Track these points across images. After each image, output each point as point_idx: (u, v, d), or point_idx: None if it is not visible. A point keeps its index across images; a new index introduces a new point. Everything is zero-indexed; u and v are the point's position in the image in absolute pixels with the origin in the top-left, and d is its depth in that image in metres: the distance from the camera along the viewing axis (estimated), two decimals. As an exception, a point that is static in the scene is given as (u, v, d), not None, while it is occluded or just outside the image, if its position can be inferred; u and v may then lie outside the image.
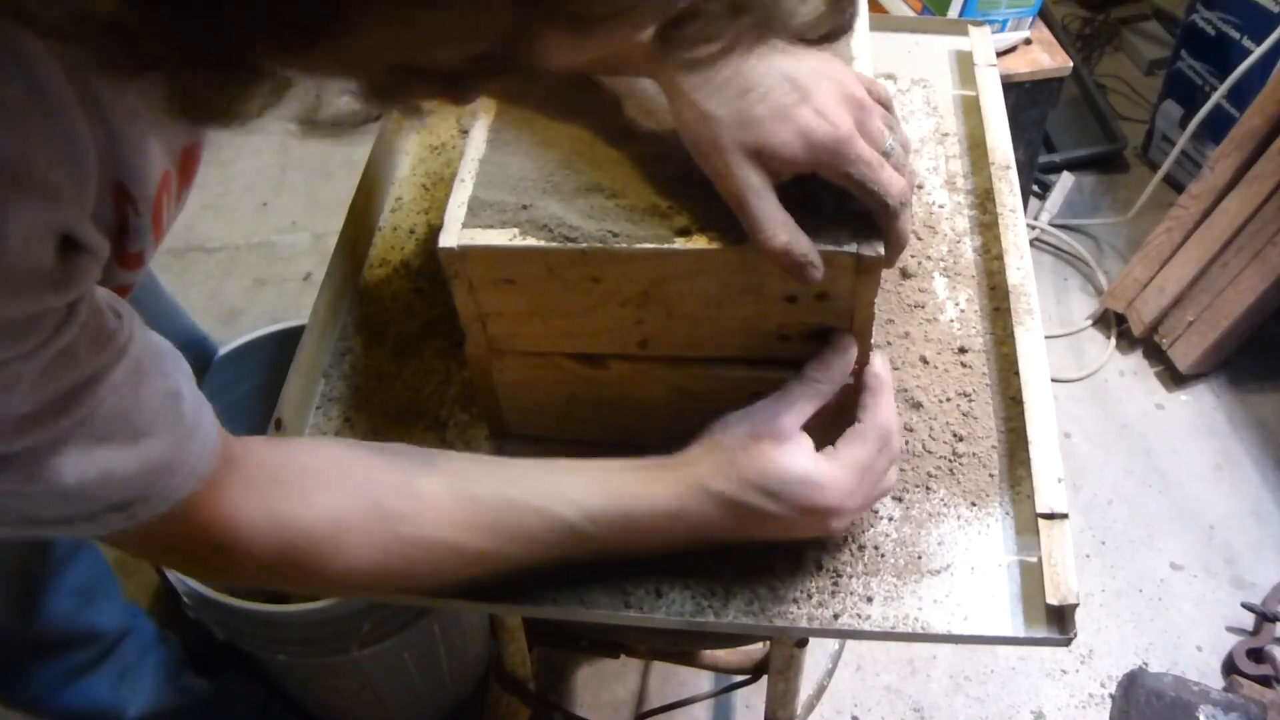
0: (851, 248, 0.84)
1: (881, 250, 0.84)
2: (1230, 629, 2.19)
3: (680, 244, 0.85)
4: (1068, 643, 0.93)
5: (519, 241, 0.86)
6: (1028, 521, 0.99)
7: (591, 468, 0.90)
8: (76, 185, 0.59)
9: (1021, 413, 1.04)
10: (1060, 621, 0.93)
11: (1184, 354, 2.55)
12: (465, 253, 0.86)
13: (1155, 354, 2.65)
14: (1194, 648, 2.17)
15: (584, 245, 0.85)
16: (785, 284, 0.88)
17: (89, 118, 0.60)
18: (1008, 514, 1.00)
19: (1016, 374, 1.07)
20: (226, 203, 2.87)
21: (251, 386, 1.69)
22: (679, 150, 0.87)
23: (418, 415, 1.08)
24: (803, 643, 1.34)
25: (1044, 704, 2.08)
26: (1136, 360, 2.67)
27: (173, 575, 1.42)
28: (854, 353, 0.92)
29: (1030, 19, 2.50)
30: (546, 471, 0.89)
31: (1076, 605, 0.92)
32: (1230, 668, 2.11)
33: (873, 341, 0.95)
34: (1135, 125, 3.19)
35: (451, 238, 0.86)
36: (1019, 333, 1.09)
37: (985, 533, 0.99)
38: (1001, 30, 2.30)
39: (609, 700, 2.05)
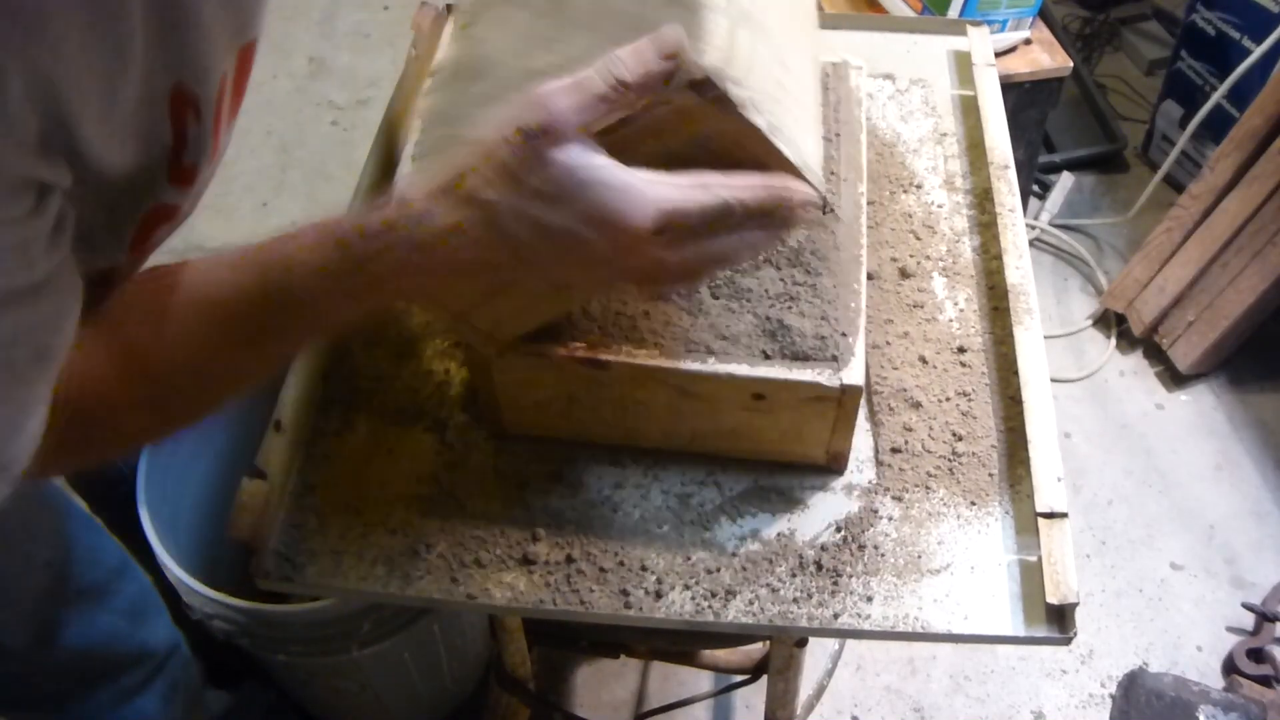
0: None
1: None
2: (1230, 629, 2.19)
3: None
4: (1068, 641, 0.94)
5: None
6: (1027, 521, 0.99)
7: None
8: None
9: (1021, 412, 1.04)
10: (1060, 620, 0.93)
11: (1184, 354, 2.55)
12: None
13: (1155, 354, 2.65)
14: (1194, 648, 2.17)
15: None
16: None
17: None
18: (1007, 513, 1.01)
19: (1016, 373, 1.07)
20: (226, 203, 2.86)
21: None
22: None
23: (417, 416, 1.08)
24: (802, 642, 1.34)
25: (1044, 704, 2.08)
26: (1136, 360, 2.67)
27: (175, 579, 1.42)
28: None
29: (1030, 19, 2.50)
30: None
31: (1077, 604, 0.92)
32: (1230, 668, 2.11)
33: (870, 343, 0.96)
34: (1135, 125, 3.18)
35: None
36: (1018, 332, 1.10)
37: (985, 532, 1.00)
38: (1001, 30, 2.30)
39: (608, 700, 2.05)
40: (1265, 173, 2.36)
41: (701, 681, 2.03)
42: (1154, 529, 2.34)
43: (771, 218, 0.74)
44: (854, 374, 0.93)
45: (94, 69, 0.62)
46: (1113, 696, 2.04)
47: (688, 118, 0.73)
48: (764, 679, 1.47)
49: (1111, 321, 2.71)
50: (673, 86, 0.69)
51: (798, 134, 0.81)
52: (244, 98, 0.86)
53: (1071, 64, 2.51)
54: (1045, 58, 2.47)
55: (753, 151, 0.76)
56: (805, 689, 1.54)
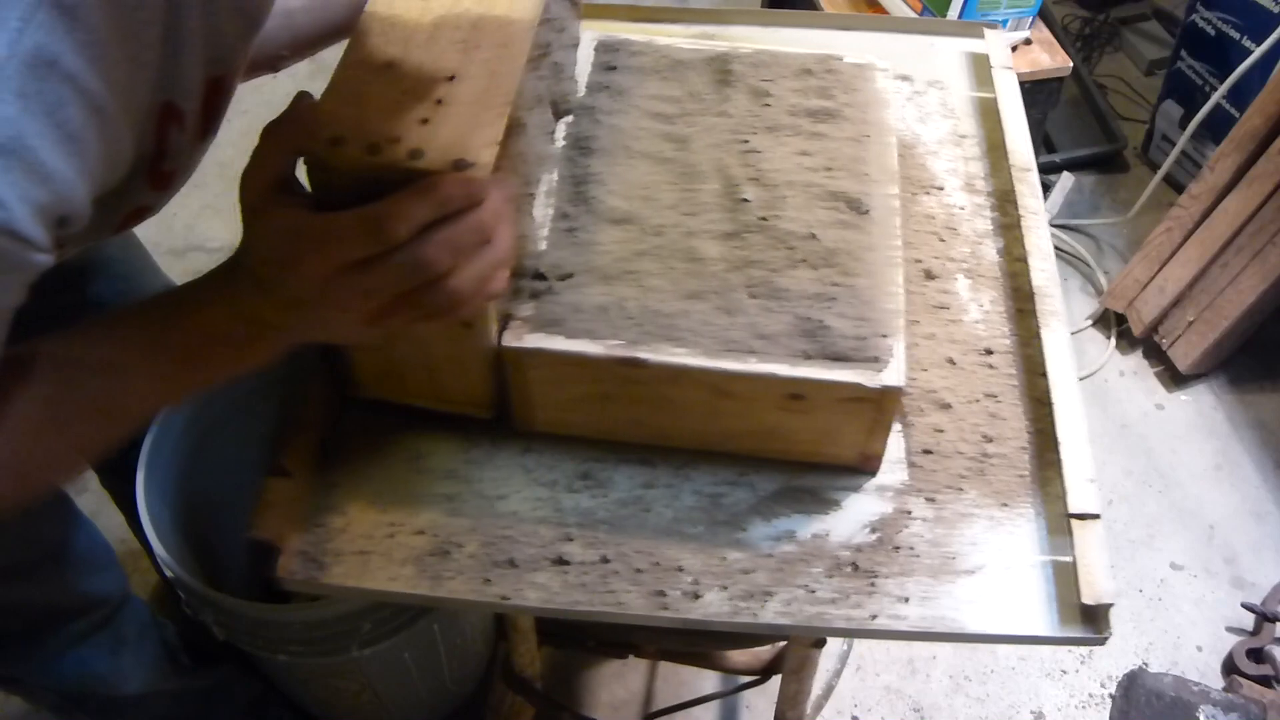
0: None
1: None
2: (1230, 629, 2.19)
3: None
4: (1102, 641, 0.94)
5: None
6: (1059, 522, 1.00)
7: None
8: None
9: (1048, 414, 1.05)
10: (1094, 621, 0.93)
11: (1184, 354, 2.55)
12: None
13: (1155, 354, 2.66)
14: (1194, 648, 2.17)
15: None
16: None
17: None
18: (1039, 514, 1.01)
19: (1042, 375, 1.08)
20: (226, 203, 2.83)
21: (251, 384, 1.68)
22: None
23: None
24: (820, 643, 1.34)
25: (1044, 704, 2.08)
26: (1136, 360, 2.67)
27: (175, 579, 1.41)
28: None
29: (1030, 19, 2.51)
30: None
31: (1111, 605, 0.93)
32: (1230, 668, 2.11)
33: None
34: (1135, 125, 3.19)
35: None
36: (1045, 334, 1.10)
37: (1016, 533, 1.00)
38: (1001, 30, 2.30)
39: (610, 700, 2.05)
40: (1265, 173, 2.37)
41: (706, 682, 2.03)
42: (1154, 529, 2.35)
43: (444, 214, 0.77)
44: (894, 375, 0.93)
45: (118, 90, 0.69)
46: (1113, 696, 2.04)
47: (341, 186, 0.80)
48: (770, 680, 1.47)
49: (1111, 321, 2.71)
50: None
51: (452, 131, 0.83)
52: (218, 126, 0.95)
53: (1071, 64, 2.52)
54: (1045, 58, 2.47)
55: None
56: (813, 689, 1.54)
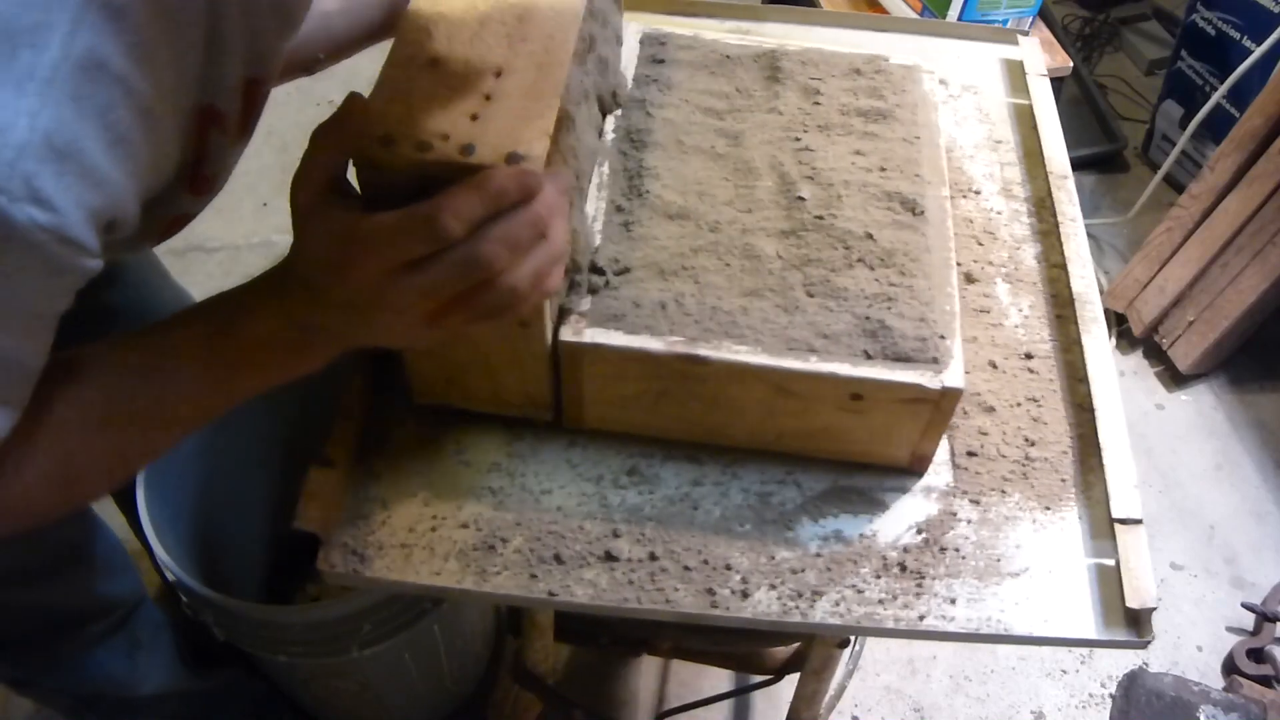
0: None
1: None
2: (1230, 629, 2.21)
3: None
4: (1145, 645, 0.95)
5: None
6: (1102, 525, 1.00)
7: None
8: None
9: (1090, 419, 1.06)
10: (1138, 624, 0.94)
11: (1184, 354, 2.57)
12: None
13: (1155, 354, 2.67)
14: (1194, 648, 2.19)
15: None
16: None
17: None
18: (1081, 518, 1.02)
19: (1082, 380, 1.09)
20: (227, 203, 2.79)
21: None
22: None
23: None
24: (844, 643, 1.34)
25: (1044, 704, 2.09)
26: (1136, 360, 2.69)
27: (175, 579, 1.40)
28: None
29: (1030, 19, 2.51)
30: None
31: (1154, 609, 0.93)
32: (1230, 668, 2.13)
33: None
34: (1135, 125, 3.20)
35: None
36: (1086, 340, 1.12)
37: (1060, 536, 1.00)
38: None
39: (620, 698, 2.05)
40: (1265, 173, 2.38)
41: (714, 681, 2.03)
42: (1154, 529, 2.36)
43: (499, 209, 0.76)
44: (954, 376, 0.93)
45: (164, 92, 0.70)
46: (1113, 696, 2.05)
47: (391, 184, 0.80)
48: (783, 680, 1.47)
49: (1111, 321, 2.72)
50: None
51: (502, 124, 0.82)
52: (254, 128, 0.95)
53: (1071, 64, 2.53)
54: (1045, 58, 2.47)
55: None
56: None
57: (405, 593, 1.35)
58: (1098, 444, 1.04)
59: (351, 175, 0.80)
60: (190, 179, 0.86)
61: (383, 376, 1.08)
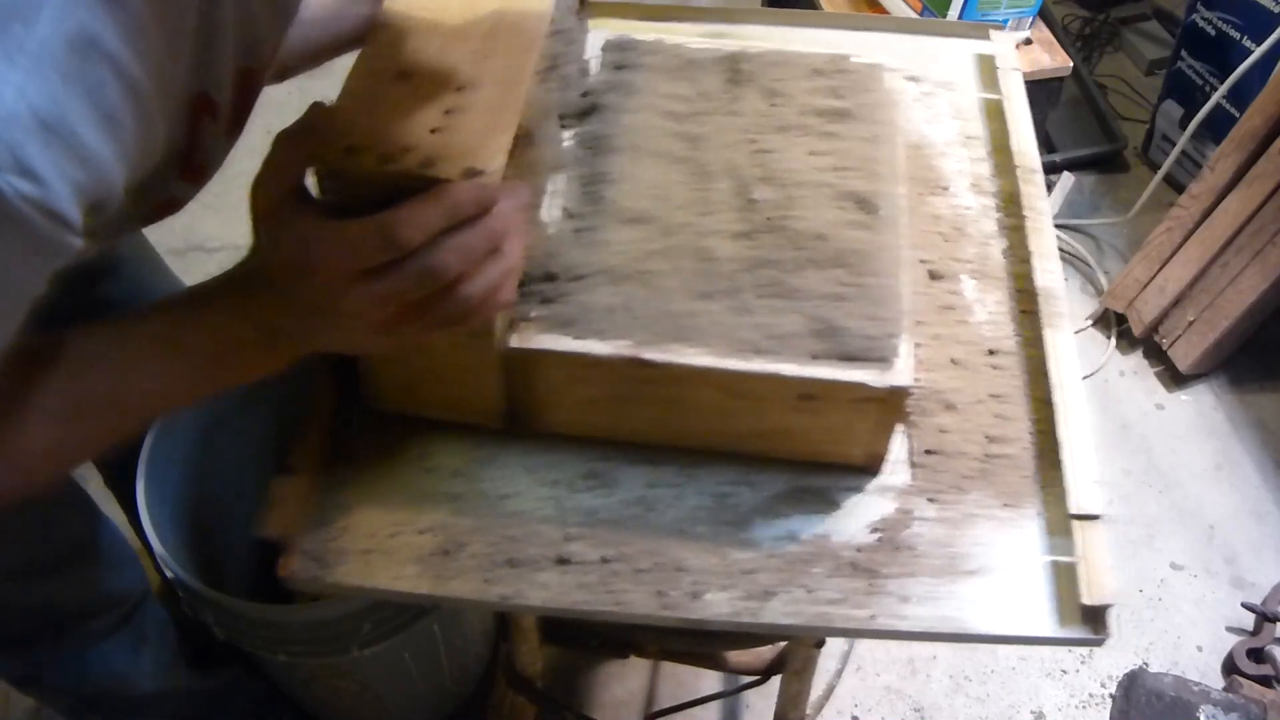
0: None
1: None
2: (1230, 629, 2.19)
3: None
4: (1100, 642, 0.94)
5: None
6: (1061, 522, 1.00)
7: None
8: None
9: (1053, 414, 1.05)
10: (1095, 621, 0.94)
11: (1184, 354, 2.55)
12: None
13: (1155, 354, 2.66)
14: (1194, 648, 2.17)
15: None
16: None
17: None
18: (1041, 515, 1.01)
19: (1047, 376, 1.08)
20: (227, 202, 2.77)
21: (251, 386, 1.68)
22: None
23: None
24: (820, 643, 1.34)
25: (1044, 704, 2.08)
26: (1136, 360, 2.67)
27: (175, 579, 1.41)
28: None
29: (1030, 19, 2.51)
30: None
31: (1112, 605, 0.93)
32: (1230, 668, 2.11)
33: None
34: (1135, 125, 3.18)
35: None
36: (1050, 335, 1.11)
37: (1020, 534, 1.00)
38: (1007, 31, 2.30)
39: (613, 700, 2.05)
40: (1265, 173, 2.37)
41: (708, 682, 2.03)
42: (1154, 529, 2.35)
43: (456, 221, 0.78)
44: (902, 375, 0.93)
45: (156, 76, 0.70)
46: (1113, 696, 2.04)
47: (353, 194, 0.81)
48: (773, 680, 1.47)
49: (1111, 321, 2.71)
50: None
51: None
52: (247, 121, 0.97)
53: (1071, 64, 2.53)
54: (1045, 58, 2.48)
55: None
56: (814, 689, 1.54)
57: (366, 597, 1.35)
58: (1060, 440, 1.03)
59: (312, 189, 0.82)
60: (183, 165, 0.87)
61: (347, 384, 1.08)
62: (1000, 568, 0.98)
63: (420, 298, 0.78)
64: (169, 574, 1.39)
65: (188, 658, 1.73)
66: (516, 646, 1.49)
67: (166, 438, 1.52)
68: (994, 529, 1.00)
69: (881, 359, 0.94)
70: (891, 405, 0.94)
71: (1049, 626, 0.94)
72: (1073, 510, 0.98)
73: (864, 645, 2.12)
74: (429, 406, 1.05)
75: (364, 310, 0.78)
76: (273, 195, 0.78)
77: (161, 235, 1.38)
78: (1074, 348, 1.09)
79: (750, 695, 1.99)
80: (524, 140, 0.91)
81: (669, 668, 2.07)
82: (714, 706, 2.04)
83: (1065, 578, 0.96)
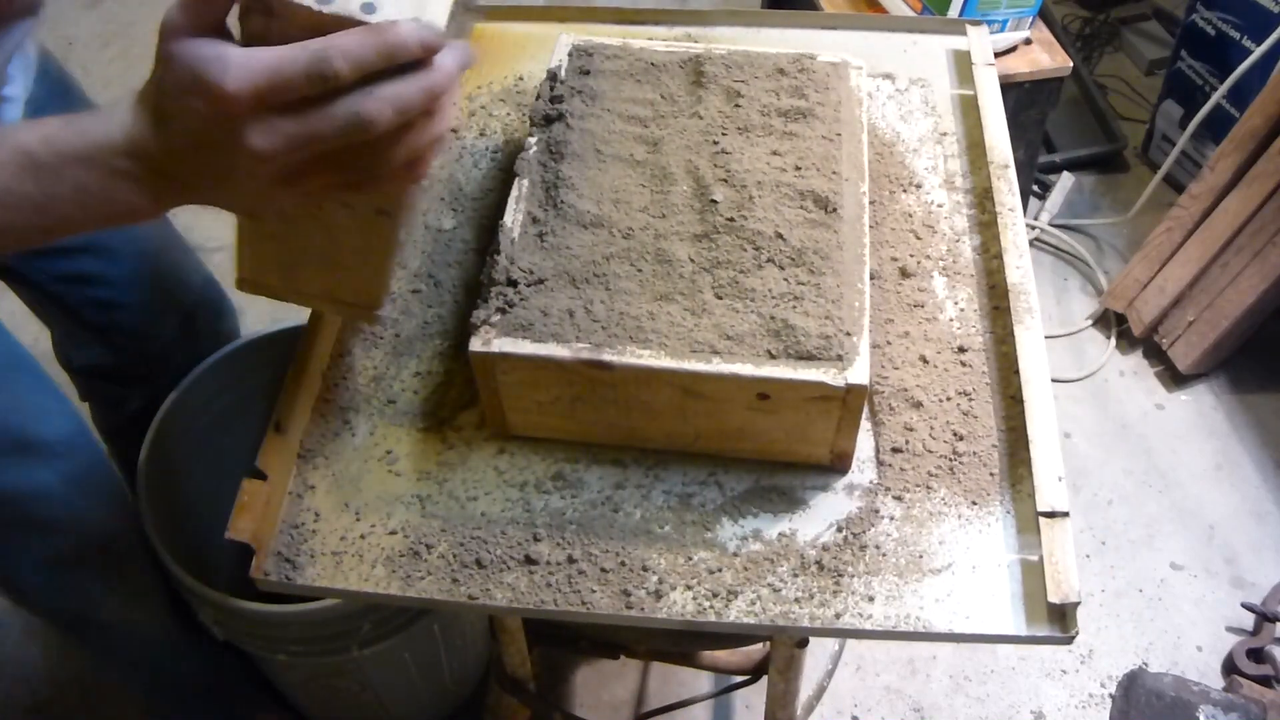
0: None
1: None
2: (1230, 629, 2.19)
3: None
4: (1069, 641, 0.94)
5: None
6: (1029, 520, 0.99)
7: None
8: None
9: (1022, 412, 1.04)
10: (1062, 620, 0.93)
11: (1184, 354, 2.55)
12: None
13: (1155, 354, 2.65)
14: (1194, 648, 2.17)
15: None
16: None
17: None
18: (1009, 513, 1.01)
19: (1016, 373, 1.08)
20: None
21: (251, 386, 1.69)
22: None
23: (417, 416, 1.08)
24: (803, 643, 1.34)
25: (1044, 704, 2.08)
26: (1136, 360, 2.67)
27: (175, 579, 1.42)
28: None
29: (1030, 19, 2.50)
30: None
31: (1078, 604, 0.92)
32: (1230, 668, 2.11)
33: (871, 342, 0.95)
34: (1135, 125, 3.18)
35: None
36: (1019, 332, 1.10)
37: (986, 532, 1.00)
38: (1001, 30, 2.30)
39: (608, 700, 2.05)
40: (1265, 173, 2.36)
41: (701, 682, 2.04)
42: (1154, 529, 2.34)
43: (393, 63, 0.69)
44: (859, 373, 0.93)
45: None
46: (1113, 696, 2.04)
47: (282, 36, 0.71)
48: (764, 680, 1.47)
49: (1111, 321, 2.71)
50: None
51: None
52: None
53: (1071, 64, 2.51)
54: (1045, 58, 2.47)
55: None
56: (805, 689, 1.54)
57: (335, 598, 1.35)
58: (1028, 437, 1.03)
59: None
60: None
61: (320, 390, 1.10)
62: (967, 566, 0.97)
63: (336, 148, 0.70)
64: (169, 575, 1.40)
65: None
66: (504, 648, 1.49)
67: (167, 436, 1.53)
68: (960, 527, 1.00)
69: (838, 358, 0.94)
70: (851, 404, 0.94)
71: (1016, 625, 0.94)
72: (1040, 508, 0.98)
73: (864, 645, 2.12)
74: (305, 293, 0.97)
75: (271, 152, 0.69)
76: (185, 19, 0.68)
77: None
78: (1043, 344, 1.09)
79: (749, 695, 2.00)
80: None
81: (663, 669, 2.08)
82: (709, 706, 2.04)
83: (1032, 576, 0.96)
